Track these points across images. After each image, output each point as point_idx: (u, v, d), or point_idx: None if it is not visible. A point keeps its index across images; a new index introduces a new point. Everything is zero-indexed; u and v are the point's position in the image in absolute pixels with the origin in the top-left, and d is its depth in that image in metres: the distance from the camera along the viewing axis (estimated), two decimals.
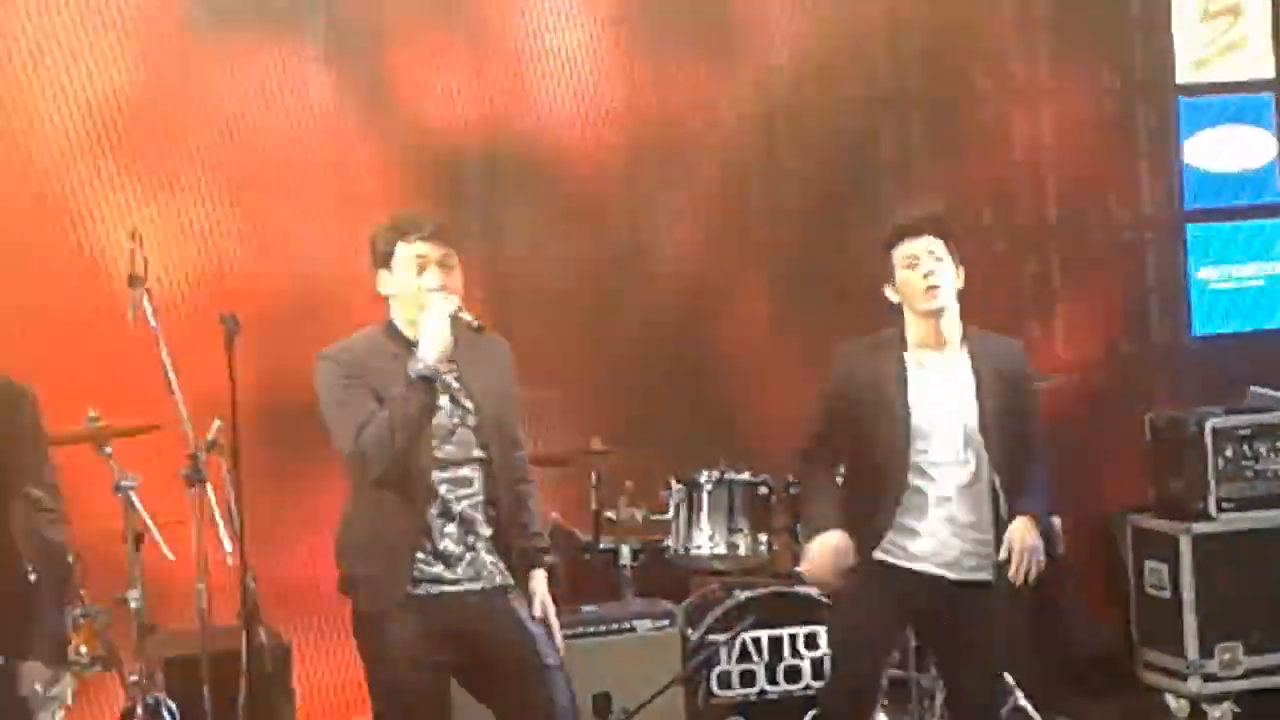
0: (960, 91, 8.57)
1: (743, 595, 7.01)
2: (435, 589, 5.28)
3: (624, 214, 8.15)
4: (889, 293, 5.84)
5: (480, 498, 5.32)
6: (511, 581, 5.37)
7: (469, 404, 5.33)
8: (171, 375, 6.56)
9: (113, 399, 7.00)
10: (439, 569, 5.29)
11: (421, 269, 5.28)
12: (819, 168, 8.33)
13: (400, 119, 7.87)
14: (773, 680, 6.96)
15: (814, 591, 7.02)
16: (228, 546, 6.45)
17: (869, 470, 5.83)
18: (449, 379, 5.29)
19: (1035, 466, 5.80)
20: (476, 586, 5.31)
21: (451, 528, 5.29)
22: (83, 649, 6.60)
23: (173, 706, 6.61)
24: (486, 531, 5.33)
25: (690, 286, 8.18)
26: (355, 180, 7.74)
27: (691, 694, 6.85)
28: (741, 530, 7.16)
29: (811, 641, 6.97)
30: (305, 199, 7.74)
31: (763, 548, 7.19)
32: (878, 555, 5.78)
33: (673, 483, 7.27)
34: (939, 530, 5.77)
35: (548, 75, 8.04)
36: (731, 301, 8.23)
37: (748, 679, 6.95)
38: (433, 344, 5.19)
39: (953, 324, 5.80)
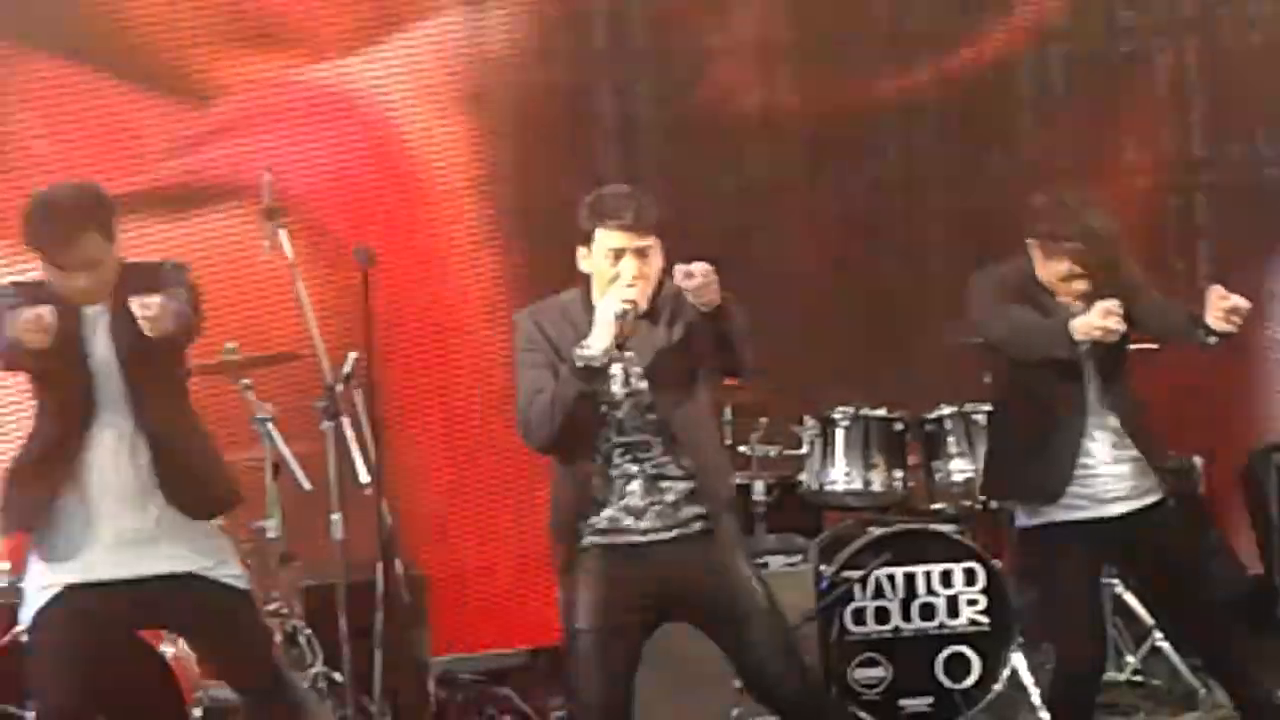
0: (1105, 26, 8.43)
1: (877, 532, 6.97)
2: (621, 539, 5.30)
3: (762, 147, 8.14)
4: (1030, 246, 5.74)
5: (664, 460, 5.30)
6: (714, 527, 5.33)
7: (639, 369, 5.31)
8: (308, 307, 6.62)
9: (250, 331, 7.09)
10: (629, 521, 5.30)
11: (617, 257, 5.24)
12: (961, 105, 8.26)
13: None
14: (907, 618, 6.92)
15: (949, 529, 6.98)
16: (364, 478, 6.51)
17: (1036, 419, 5.72)
18: (619, 352, 5.26)
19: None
20: (668, 535, 5.31)
21: (635, 485, 5.29)
22: None
23: (310, 635, 6.68)
24: (681, 486, 5.31)
25: (829, 221, 8.14)
26: None
27: (825, 630, 6.83)
28: (877, 466, 7.11)
29: (946, 579, 6.91)
30: None
31: (898, 484, 7.14)
32: (1060, 516, 5.68)
33: (807, 419, 7.24)
34: (1107, 466, 5.69)
35: None
36: (872, 237, 8.18)
37: (882, 616, 6.91)
38: (600, 336, 5.16)
39: None
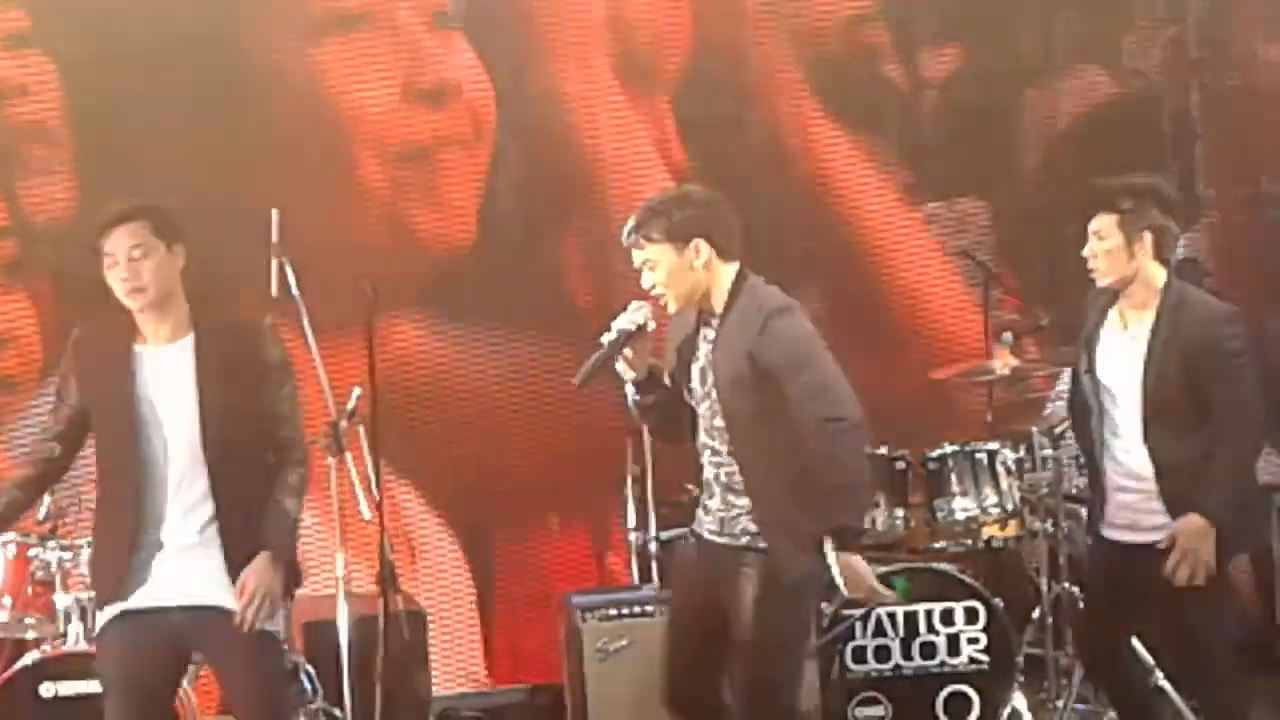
0: (1109, 63, 8.47)
1: (879, 570, 6.95)
2: (701, 529, 5.52)
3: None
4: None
5: (730, 468, 5.40)
6: (762, 546, 5.37)
7: (712, 375, 5.42)
8: (312, 343, 6.63)
9: None
10: (707, 518, 5.50)
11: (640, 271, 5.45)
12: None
13: None
14: (908, 656, 6.92)
15: (951, 568, 6.98)
16: (366, 514, 6.52)
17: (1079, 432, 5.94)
18: (705, 348, 5.42)
19: (1223, 450, 5.63)
20: (723, 541, 5.46)
21: (716, 491, 5.45)
22: None
23: (311, 670, 6.69)
24: (742, 501, 5.40)
25: (829, 257, 8.17)
26: None
27: (826, 668, 6.83)
28: (878, 505, 7.11)
29: (947, 618, 6.92)
30: None
31: (899, 523, 7.14)
32: (1100, 529, 5.86)
33: None
34: (1123, 494, 5.76)
35: None
36: (878, 266, 8.20)
37: (883, 654, 6.91)
38: (628, 362, 5.42)
39: (1146, 289, 5.75)
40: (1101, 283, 5.78)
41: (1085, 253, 5.78)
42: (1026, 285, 8.21)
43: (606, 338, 5.37)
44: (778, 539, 5.36)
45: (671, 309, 5.40)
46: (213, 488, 5.15)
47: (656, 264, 5.38)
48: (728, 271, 5.39)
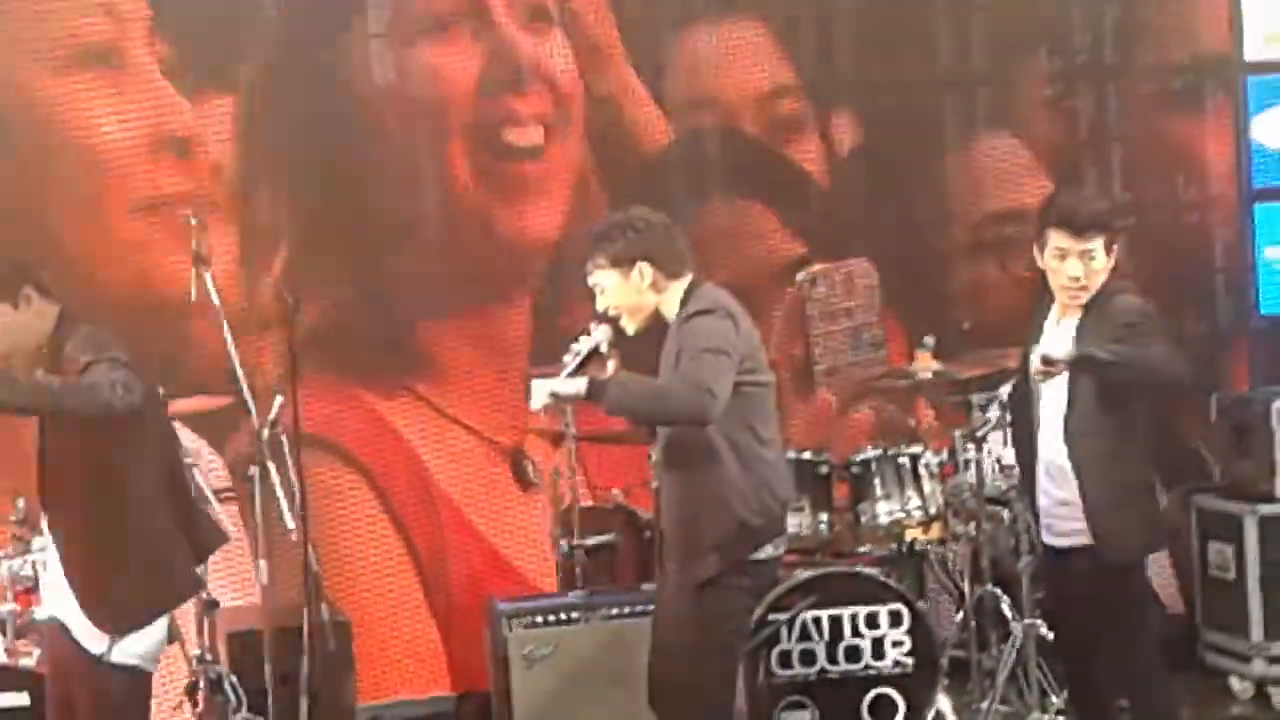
0: (1025, 69, 8.51)
1: (803, 574, 6.99)
2: None
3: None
4: (1036, 255, 5.84)
5: None
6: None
7: None
8: (234, 353, 6.59)
9: (177, 376, 7.06)
10: None
11: None
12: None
13: None
14: (833, 660, 6.94)
15: (874, 572, 7.01)
16: (289, 523, 6.49)
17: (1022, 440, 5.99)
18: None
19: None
20: None
21: None
22: None
23: (235, 681, 6.66)
24: None
25: (755, 264, 8.20)
26: None
27: (751, 672, 6.84)
28: (802, 509, 7.14)
29: (872, 621, 6.94)
30: None
31: (823, 527, 7.18)
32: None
33: None
34: (1047, 499, 5.84)
35: None
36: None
37: (808, 658, 6.93)
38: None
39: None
40: (1077, 303, 5.80)
41: (1065, 272, 5.77)
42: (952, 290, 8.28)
43: (566, 358, 5.53)
44: (675, 546, 5.56)
45: (630, 330, 5.57)
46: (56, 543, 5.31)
47: (606, 288, 5.58)
48: (679, 287, 5.56)
